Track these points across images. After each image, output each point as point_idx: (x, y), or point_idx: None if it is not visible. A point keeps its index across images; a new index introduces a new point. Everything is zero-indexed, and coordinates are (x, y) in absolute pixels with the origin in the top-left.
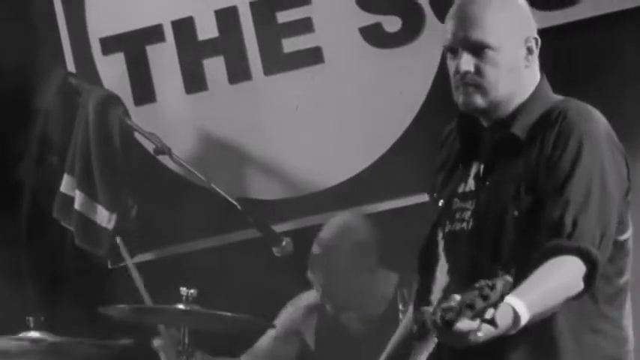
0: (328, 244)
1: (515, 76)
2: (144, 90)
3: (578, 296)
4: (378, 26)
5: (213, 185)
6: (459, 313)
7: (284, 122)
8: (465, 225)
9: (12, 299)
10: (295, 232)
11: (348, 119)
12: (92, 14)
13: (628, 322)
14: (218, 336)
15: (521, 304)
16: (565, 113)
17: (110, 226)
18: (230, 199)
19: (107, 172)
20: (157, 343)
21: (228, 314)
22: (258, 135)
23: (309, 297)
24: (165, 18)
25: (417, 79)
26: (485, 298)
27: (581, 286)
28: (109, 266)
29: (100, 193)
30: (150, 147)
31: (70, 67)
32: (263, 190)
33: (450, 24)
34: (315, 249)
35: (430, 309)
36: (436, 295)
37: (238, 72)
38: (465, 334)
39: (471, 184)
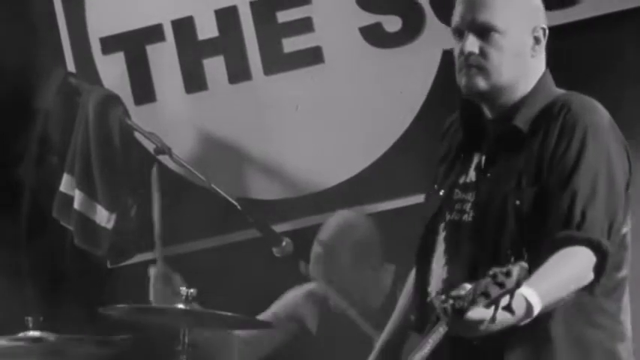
0: (329, 242)
1: (520, 63)
2: (144, 90)
3: (587, 287)
4: (378, 26)
5: (213, 185)
6: (472, 301)
7: (284, 122)
8: (465, 216)
9: (11, 299)
10: (295, 233)
11: (349, 119)
12: (92, 14)
13: (626, 317)
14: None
15: (534, 294)
16: (569, 105)
17: (110, 225)
18: (230, 199)
19: (107, 172)
20: (152, 272)
21: (228, 314)
22: (258, 135)
23: (309, 286)
24: (165, 17)
25: (418, 78)
26: (500, 285)
27: (591, 276)
28: (109, 266)
29: (100, 193)
30: (150, 147)
31: (70, 66)
32: (263, 190)
33: (459, 7)
34: (317, 247)
35: (442, 297)
36: (434, 286)
37: (238, 72)
38: (476, 323)
39: (472, 175)
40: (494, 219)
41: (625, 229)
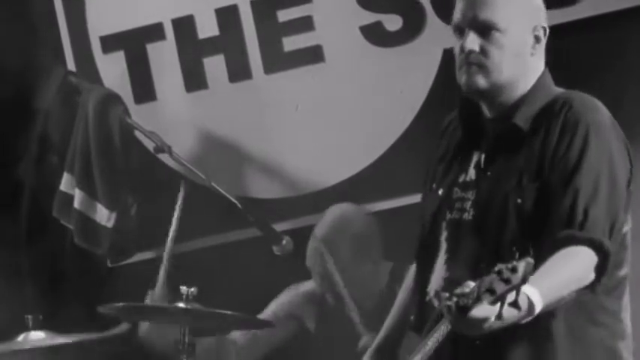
0: (327, 237)
1: (520, 61)
2: (144, 88)
3: (588, 286)
4: (378, 25)
5: (213, 184)
6: (476, 299)
7: (284, 121)
8: (465, 214)
9: (11, 298)
10: (295, 231)
11: (349, 118)
12: (92, 12)
13: (626, 315)
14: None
15: (535, 292)
16: (570, 103)
17: (110, 224)
18: (230, 198)
19: (107, 171)
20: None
21: (229, 313)
22: (259, 133)
23: (307, 285)
24: (165, 16)
25: (418, 78)
26: (506, 281)
27: (592, 276)
28: (109, 265)
29: (100, 192)
30: (150, 145)
31: (71, 65)
32: (263, 188)
33: (460, 5)
34: (314, 240)
35: (445, 295)
36: (434, 285)
37: (239, 70)
38: (479, 321)
39: (471, 173)
40: (495, 217)
41: (626, 228)
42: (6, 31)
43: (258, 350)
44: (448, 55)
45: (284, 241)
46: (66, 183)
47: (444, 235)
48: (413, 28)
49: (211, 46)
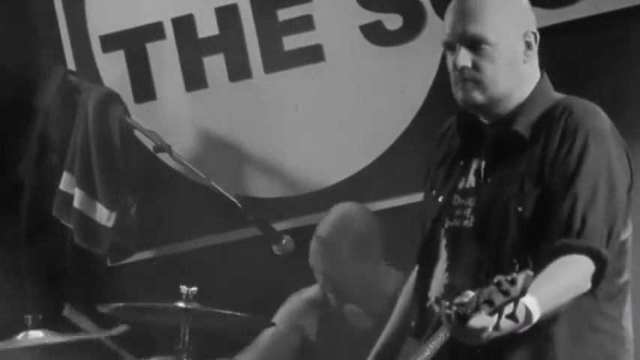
0: (328, 235)
1: (514, 71)
2: (144, 88)
3: (585, 294)
4: (378, 24)
5: (213, 183)
6: (475, 309)
7: (284, 120)
8: (465, 222)
9: (11, 298)
10: (295, 231)
11: (349, 117)
12: (92, 12)
13: (628, 323)
14: (218, 334)
15: (533, 301)
16: (570, 110)
17: (110, 224)
18: (230, 197)
19: (107, 171)
20: None
21: (229, 312)
22: (259, 133)
23: (310, 291)
24: (165, 15)
25: (418, 77)
26: (505, 293)
27: (589, 285)
28: (109, 264)
29: (100, 192)
30: (150, 145)
31: (71, 65)
32: (263, 188)
33: (448, 19)
34: (316, 239)
35: (445, 303)
36: (434, 291)
37: (238, 70)
38: (478, 331)
39: (471, 180)
40: (495, 224)
41: (626, 235)
42: (6, 31)
43: None
44: None
45: (284, 241)
46: (66, 182)
47: (443, 242)
48: (413, 27)
49: (211, 45)
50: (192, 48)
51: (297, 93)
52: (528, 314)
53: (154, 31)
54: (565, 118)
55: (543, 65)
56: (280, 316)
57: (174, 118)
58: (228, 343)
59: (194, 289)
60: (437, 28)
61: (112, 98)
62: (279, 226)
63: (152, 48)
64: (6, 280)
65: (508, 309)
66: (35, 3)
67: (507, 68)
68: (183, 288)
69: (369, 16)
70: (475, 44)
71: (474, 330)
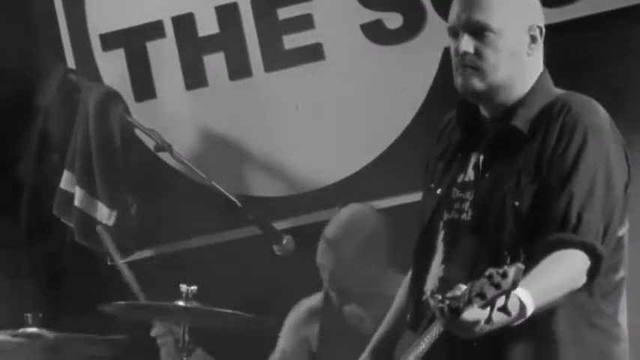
0: (335, 237)
1: (516, 62)
2: (144, 86)
3: (580, 290)
4: (379, 23)
5: (213, 182)
6: (467, 302)
7: (284, 119)
8: (464, 215)
9: (11, 296)
10: (296, 230)
11: (349, 116)
12: (92, 11)
13: (623, 319)
14: (218, 333)
15: (527, 295)
16: (569, 106)
17: (110, 223)
18: (230, 197)
19: (107, 169)
20: (155, 332)
21: (229, 311)
22: (259, 132)
23: (309, 301)
24: (165, 14)
25: (418, 76)
26: (496, 286)
27: (584, 279)
28: (109, 263)
29: (100, 190)
30: (150, 144)
31: (71, 63)
32: (263, 187)
33: (454, 8)
34: (325, 237)
35: (438, 297)
36: (430, 284)
37: (239, 68)
38: (471, 324)
39: (470, 174)
40: (493, 218)
41: (622, 231)
42: (6, 31)
43: None
44: (449, 53)
45: (284, 240)
46: (66, 181)
47: (441, 234)
48: (413, 26)
49: (211, 43)
50: (192, 46)
51: (297, 92)
52: (522, 307)
53: (154, 29)
54: (564, 114)
55: (543, 64)
56: (285, 335)
57: (175, 117)
58: (227, 342)
59: (194, 287)
60: (437, 27)
61: (112, 97)
62: (279, 225)
63: (152, 46)
64: (6, 280)
65: (500, 302)
66: (35, 3)
67: (509, 58)
68: (183, 287)
69: (370, 15)
70: (479, 31)
71: (466, 323)
